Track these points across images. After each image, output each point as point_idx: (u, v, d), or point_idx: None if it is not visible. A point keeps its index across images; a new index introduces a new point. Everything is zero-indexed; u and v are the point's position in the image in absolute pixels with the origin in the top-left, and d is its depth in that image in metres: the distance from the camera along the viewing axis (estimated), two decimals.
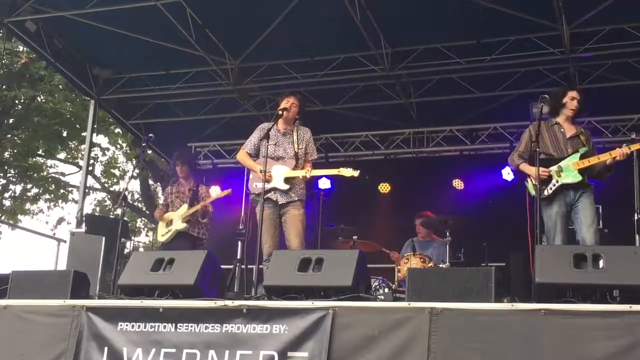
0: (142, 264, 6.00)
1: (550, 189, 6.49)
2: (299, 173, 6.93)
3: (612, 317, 4.54)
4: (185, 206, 8.55)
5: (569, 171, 6.45)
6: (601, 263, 4.93)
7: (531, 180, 6.56)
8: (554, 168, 6.49)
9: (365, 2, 8.95)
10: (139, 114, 12.07)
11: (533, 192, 6.54)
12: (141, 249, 25.41)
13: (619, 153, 6.33)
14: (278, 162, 6.99)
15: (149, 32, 10.00)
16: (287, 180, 6.91)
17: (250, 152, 7.14)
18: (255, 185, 6.91)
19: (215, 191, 12.07)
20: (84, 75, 11.17)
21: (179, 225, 8.48)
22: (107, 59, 11.14)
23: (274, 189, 6.88)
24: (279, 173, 6.92)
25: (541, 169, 6.49)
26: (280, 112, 7.02)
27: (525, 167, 6.64)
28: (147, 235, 25.38)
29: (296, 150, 7.04)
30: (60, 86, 17.33)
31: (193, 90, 11.16)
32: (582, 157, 6.46)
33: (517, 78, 10.20)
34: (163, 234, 8.59)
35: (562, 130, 6.63)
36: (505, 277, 8.65)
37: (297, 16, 9.35)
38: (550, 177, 6.48)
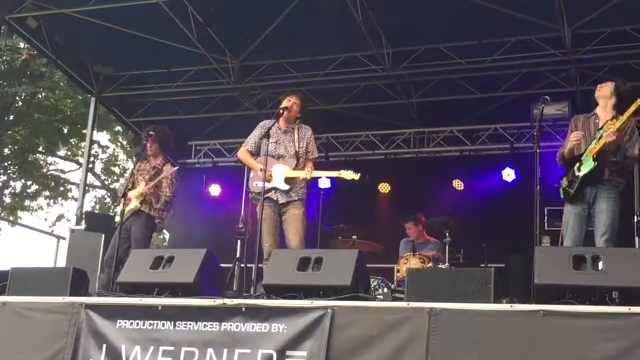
0: (141, 261, 5.99)
1: (573, 187, 6.34)
2: (300, 174, 6.92)
3: (611, 319, 4.52)
4: (143, 184, 7.84)
5: (586, 161, 6.26)
6: (600, 265, 4.91)
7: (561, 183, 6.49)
8: (576, 165, 6.35)
9: (366, 2, 8.96)
10: (139, 112, 12.09)
11: (563, 195, 6.48)
12: None
13: (605, 134, 6.09)
14: (279, 160, 6.97)
15: (151, 30, 10.01)
16: (288, 180, 6.90)
17: (250, 150, 7.13)
18: (256, 184, 6.90)
19: (216, 190, 12.13)
20: (85, 72, 11.19)
21: (133, 204, 7.79)
22: (108, 56, 11.14)
23: (275, 189, 6.88)
24: (280, 173, 6.91)
25: (575, 133, 6.41)
26: (281, 111, 7.02)
27: (564, 151, 6.50)
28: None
29: (297, 149, 7.03)
30: (61, 83, 17.34)
31: (194, 88, 11.17)
32: (598, 141, 6.19)
33: (518, 79, 10.22)
34: (118, 212, 7.83)
35: (596, 121, 6.43)
36: (505, 278, 8.67)
37: (298, 15, 9.35)
38: (573, 175, 6.35)
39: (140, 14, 9.63)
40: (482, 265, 8.80)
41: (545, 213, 9.07)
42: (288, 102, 7.08)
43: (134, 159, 17.90)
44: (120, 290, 5.98)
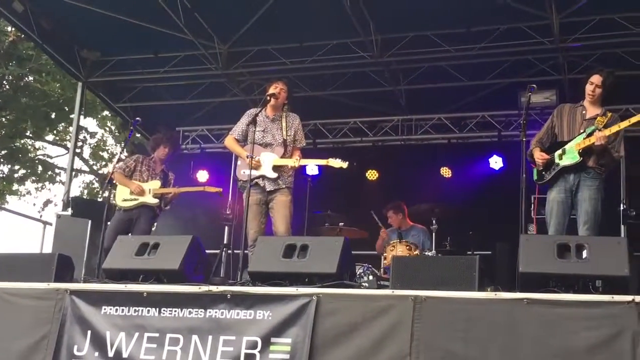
0: (126, 248, 6.00)
1: (550, 173, 6.41)
2: (288, 162, 6.92)
3: (594, 308, 4.57)
4: (157, 182, 8.39)
5: (570, 152, 6.29)
6: (584, 253, 4.96)
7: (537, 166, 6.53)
8: (558, 152, 6.38)
9: None
10: (127, 97, 12.00)
11: (536, 177, 6.55)
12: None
13: (597, 136, 6.10)
14: (266, 149, 6.97)
15: (138, 15, 9.92)
16: (276, 168, 6.90)
17: (237, 138, 7.12)
18: (243, 172, 6.88)
19: (203, 176, 12.09)
20: (72, 57, 11.07)
21: (149, 199, 8.27)
22: (95, 41, 11.03)
23: (262, 177, 6.88)
24: (268, 161, 6.91)
25: (540, 154, 6.46)
26: (268, 98, 7.00)
27: (533, 153, 6.54)
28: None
29: (285, 137, 7.02)
30: (49, 66, 17.21)
31: (182, 74, 11.09)
32: (588, 136, 6.21)
33: (506, 67, 10.19)
34: (127, 199, 8.31)
35: (583, 112, 6.45)
36: (491, 266, 8.70)
37: (287, 1, 9.30)
38: (552, 162, 6.40)
39: None
40: (468, 252, 8.82)
41: (532, 201, 9.08)
42: (275, 88, 7.06)
43: (122, 145, 17.88)
44: (105, 276, 5.97)
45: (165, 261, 5.75)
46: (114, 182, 8.13)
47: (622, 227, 9.16)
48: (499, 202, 9.85)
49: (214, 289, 5.40)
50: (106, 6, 9.78)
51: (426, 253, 8.46)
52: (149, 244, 5.92)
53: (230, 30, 10.29)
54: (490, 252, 9.34)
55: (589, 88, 6.42)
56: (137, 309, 5.50)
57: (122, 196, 8.33)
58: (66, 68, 11.35)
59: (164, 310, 5.42)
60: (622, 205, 9.33)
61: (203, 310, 5.34)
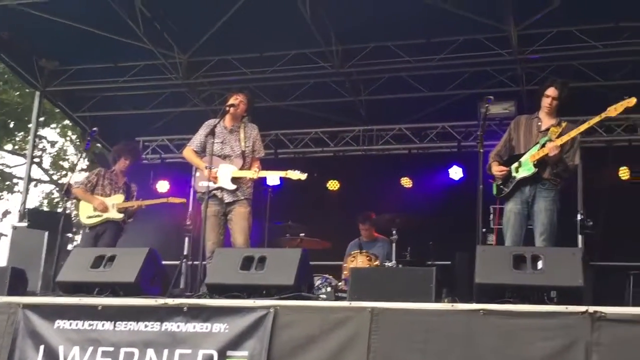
0: (82, 260, 5.92)
1: (508, 186, 6.46)
2: (247, 174, 6.89)
3: (549, 318, 4.60)
4: (120, 196, 8.38)
5: (526, 165, 6.35)
6: (540, 264, 4.99)
7: (495, 180, 6.59)
8: (514, 165, 6.44)
9: None
10: (86, 107, 11.87)
11: (495, 192, 6.60)
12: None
13: (549, 147, 6.18)
14: (225, 160, 6.93)
15: (98, 24, 9.82)
16: (234, 180, 6.86)
17: (196, 149, 7.07)
18: (201, 184, 6.83)
19: (164, 187, 11.98)
20: (30, 66, 10.93)
21: (114, 214, 8.27)
22: (54, 50, 10.89)
23: (221, 188, 6.83)
24: (226, 172, 6.86)
25: (498, 167, 6.52)
26: (227, 109, 6.97)
27: (491, 168, 6.60)
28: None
29: (243, 149, 6.99)
30: (7, 75, 16.97)
31: (141, 83, 11.00)
32: (541, 148, 6.28)
33: (466, 78, 10.27)
34: (91, 216, 8.29)
35: (539, 123, 6.52)
36: (451, 276, 8.74)
37: (247, 11, 9.26)
38: (510, 175, 6.45)
39: (87, 7, 9.45)
40: (428, 263, 8.84)
41: (492, 211, 9.15)
42: (235, 99, 7.04)
43: (84, 155, 17.65)
44: (59, 289, 5.87)
45: (121, 274, 5.69)
46: (77, 198, 8.28)
47: (580, 237, 9.25)
48: (459, 212, 9.87)
49: (170, 301, 5.33)
50: (65, 15, 9.65)
51: (386, 264, 8.46)
52: (105, 256, 5.85)
53: (190, 40, 10.23)
54: (450, 262, 9.37)
55: (545, 101, 6.48)
56: (91, 322, 5.41)
57: (86, 213, 8.33)
58: (24, 77, 11.20)
59: (119, 323, 5.35)
60: (579, 215, 9.43)
61: (159, 323, 5.27)
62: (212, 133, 6.75)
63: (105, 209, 8.22)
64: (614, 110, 5.97)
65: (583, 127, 6.15)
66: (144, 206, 8.48)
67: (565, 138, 6.18)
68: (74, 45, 10.50)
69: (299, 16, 9.05)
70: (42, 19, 9.65)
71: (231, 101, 7.00)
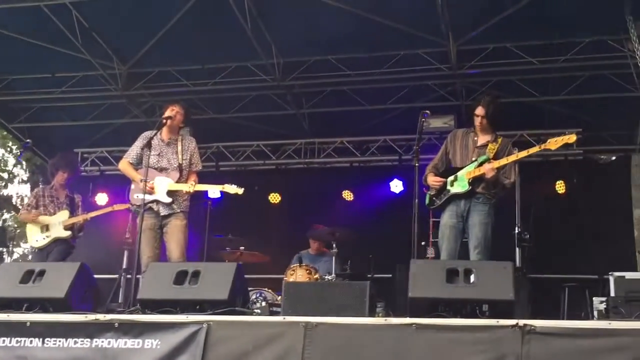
0: (10, 275, 5.76)
1: (441, 198, 6.54)
2: (183, 187, 6.82)
3: (480, 332, 4.63)
4: (65, 212, 8.35)
5: (461, 180, 6.42)
6: (472, 278, 5.03)
7: (429, 191, 6.66)
8: (450, 178, 6.51)
9: (256, 12, 8.91)
10: (22, 118, 11.61)
11: (427, 202, 6.65)
12: (30, 256, 24.58)
13: (485, 169, 6.28)
14: (161, 173, 6.86)
15: (34, 34, 9.64)
16: (170, 192, 6.79)
17: (132, 162, 6.99)
18: (137, 197, 6.75)
19: (103, 199, 11.80)
20: None
21: (60, 232, 8.27)
22: None
23: (156, 201, 6.75)
24: (162, 185, 6.79)
25: (434, 178, 6.58)
26: (164, 121, 6.89)
27: (427, 179, 6.67)
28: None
29: (180, 162, 6.92)
30: None
31: (80, 94, 10.84)
32: (479, 165, 6.38)
33: (407, 92, 10.35)
34: (38, 239, 8.30)
35: (475, 138, 6.59)
36: (392, 289, 8.77)
37: (188, 22, 9.19)
38: (444, 187, 6.52)
39: (23, 16, 9.25)
40: (368, 276, 8.84)
41: (431, 225, 9.22)
42: (171, 111, 6.98)
43: (25, 166, 17.32)
44: None
45: (50, 289, 5.55)
46: (26, 222, 8.39)
47: (517, 250, 9.37)
48: (400, 225, 9.87)
49: (101, 317, 5.23)
50: (0, 24, 9.46)
51: (326, 277, 8.44)
52: (34, 271, 5.70)
53: (130, 51, 10.12)
54: (390, 275, 9.40)
55: (476, 120, 6.60)
56: (19, 339, 5.27)
57: (33, 236, 8.33)
58: None
59: (47, 340, 5.21)
60: (516, 228, 9.57)
61: (89, 339, 5.16)
62: (148, 145, 6.67)
63: (47, 228, 8.25)
64: (554, 143, 6.10)
65: (522, 155, 6.28)
66: (89, 218, 8.44)
67: (502, 162, 6.29)
68: (10, 54, 10.24)
69: (240, 29, 9.03)
70: None
71: (167, 113, 6.94)
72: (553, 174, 10.63)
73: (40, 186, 8.88)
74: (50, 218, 8.31)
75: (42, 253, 8.26)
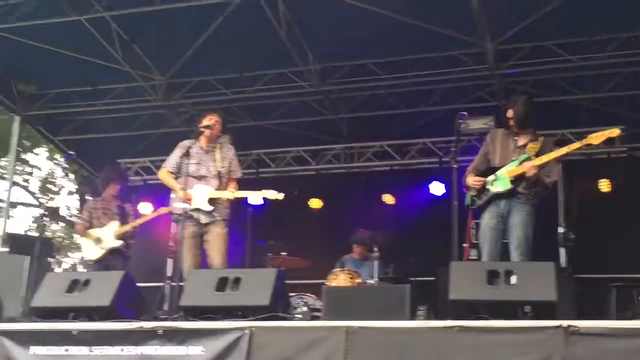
0: (57, 285, 5.89)
1: (482, 198, 6.47)
2: (223, 194, 6.87)
3: (523, 333, 4.58)
4: (116, 223, 8.54)
5: (502, 179, 6.33)
6: (513, 279, 4.98)
7: (469, 191, 6.60)
8: (490, 177, 6.42)
9: (291, 18, 8.97)
10: (67, 130, 11.84)
11: (468, 202, 6.60)
12: (80, 267, 24.99)
13: (527, 167, 6.20)
14: (200, 181, 6.92)
15: (75, 48, 9.84)
16: (211, 201, 6.84)
17: (171, 171, 7.06)
18: (177, 206, 6.81)
19: (147, 209, 11.95)
20: (8, 90, 10.92)
21: (113, 242, 8.46)
22: (31, 74, 10.89)
23: (197, 209, 6.81)
24: (202, 194, 6.85)
25: (474, 178, 6.52)
26: (202, 130, 6.96)
27: (466, 179, 6.60)
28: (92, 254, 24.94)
29: (219, 169, 6.98)
30: None
31: (121, 106, 11.00)
32: (520, 164, 6.28)
33: (444, 94, 10.28)
34: (93, 251, 8.52)
35: (515, 139, 6.50)
36: (435, 292, 8.71)
37: (224, 32, 9.28)
38: (485, 187, 6.45)
39: (64, 31, 9.46)
40: (411, 279, 8.81)
41: (473, 226, 9.14)
42: (209, 120, 7.04)
43: (73, 177, 17.63)
44: (34, 315, 5.82)
45: (96, 298, 5.66)
46: (81, 236, 8.71)
47: (562, 250, 9.23)
48: (442, 227, 9.85)
49: (145, 325, 5.31)
50: (41, 39, 9.67)
51: (369, 281, 8.44)
52: (80, 280, 5.81)
53: (169, 62, 10.23)
54: (434, 278, 9.34)
55: (509, 122, 6.51)
56: (67, 347, 5.38)
57: (88, 249, 8.58)
58: (1, 101, 11.16)
59: (94, 348, 5.31)
60: (560, 228, 9.42)
61: (135, 347, 5.24)
62: (187, 154, 6.74)
63: (99, 240, 8.48)
64: (596, 138, 5.97)
65: (563, 151, 6.14)
66: (138, 226, 8.66)
67: (544, 159, 6.17)
68: (52, 68, 10.49)
69: (276, 36, 9.10)
70: (20, 43, 9.67)
71: (205, 122, 7.00)
72: (596, 173, 10.46)
73: (92, 199, 9.09)
74: (101, 230, 8.52)
75: (100, 265, 8.42)
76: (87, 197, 19.64)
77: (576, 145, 6.19)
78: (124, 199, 9.00)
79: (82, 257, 8.69)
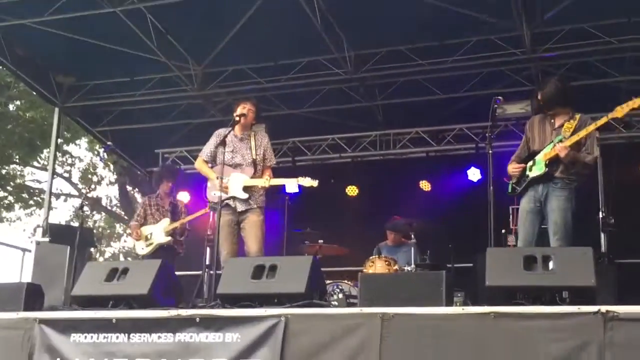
0: (96, 274, 5.94)
1: (521, 185, 6.40)
2: (258, 182, 6.90)
3: (561, 319, 4.52)
4: (167, 220, 8.76)
5: (538, 163, 6.27)
6: (551, 264, 4.92)
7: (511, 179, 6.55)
8: (529, 163, 6.37)
9: (325, 6, 8.94)
10: (105, 121, 11.99)
11: (509, 191, 6.56)
12: (121, 256, 25.37)
13: (558, 149, 6.09)
14: (236, 169, 6.95)
15: (111, 39, 9.96)
16: (246, 189, 6.88)
17: (206, 160, 7.11)
18: (214, 194, 6.86)
19: (185, 197, 12.06)
20: (47, 83, 11.09)
21: (162, 238, 8.67)
22: (70, 66, 11.03)
23: (233, 198, 6.85)
24: (238, 182, 6.88)
25: (514, 165, 6.47)
26: (237, 118, 6.99)
27: (508, 168, 6.56)
28: (125, 241, 25.35)
29: (254, 157, 7.00)
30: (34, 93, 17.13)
31: (158, 96, 11.12)
32: (554, 147, 6.19)
33: (481, 79, 10.20)
34: (142, 247, 8.74)
35: (552, 121, 6.41)
36: (474, 278, 8.67)
37: (258, 20, 9.31)
38: (524, 173, 6.39)
39: (100, 23, 9.56)
40: (449, 266, 8.78)
41: (511, 212, 9.06)
42: (243, 108, 7.05)
43: (113, 168, 17.89)
44: (74, 303, 5.91)
45: (134, 286, 5.70)
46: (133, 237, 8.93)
47: (602, 235, 9.11)
48: (479, 213, 9.77)
49: (183, 312, 5.35)
50: (78, 31, 9.80)
51: (406, 268, 8.43)
52: (118, 269, 5.87)
53: (204, 51, 10.30)
54: (472, 265, 9.29)
55: (541, 105, 6.47)
56: (106, 335, 5.43)
57: (138, 245, 8.83)
58: (41, 94, 11.36)
59: (133, 335, 5.36)
60: (600, 213, 9.29)
61: (172, 334, 5.28)
62: (222, 143, 6.76)
63: (150, 236, 8.71)
64: (620, 111, 5.89)
65: (590, 128, 6.06)
66: (186, 223, 8.89)
67: (574, 139, 6.08)
68: (90, 60, 10.64)
69: (310, 23, 9.08)
70: (58, 35, 9.82)
71: (240, 110, 7.02)
72: (637, 156, 10.31)
73: (147, 196, 9.33)
74: (152, 226, 8.76)
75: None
76: (127, 187, 20.02)
77: (603, 120, 6.07)
78: (175, 195, 9.31)
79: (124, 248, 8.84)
